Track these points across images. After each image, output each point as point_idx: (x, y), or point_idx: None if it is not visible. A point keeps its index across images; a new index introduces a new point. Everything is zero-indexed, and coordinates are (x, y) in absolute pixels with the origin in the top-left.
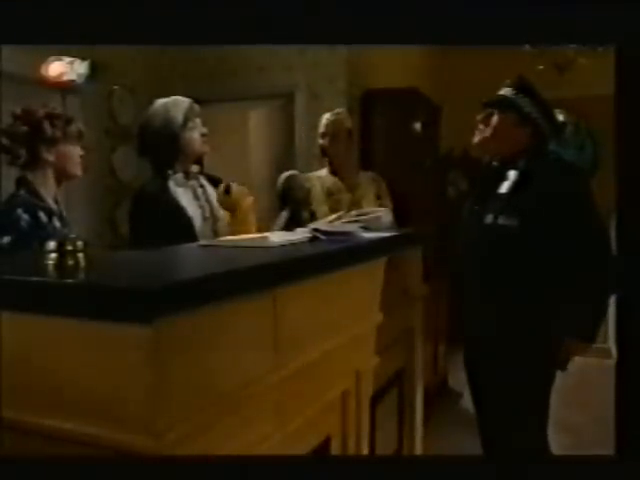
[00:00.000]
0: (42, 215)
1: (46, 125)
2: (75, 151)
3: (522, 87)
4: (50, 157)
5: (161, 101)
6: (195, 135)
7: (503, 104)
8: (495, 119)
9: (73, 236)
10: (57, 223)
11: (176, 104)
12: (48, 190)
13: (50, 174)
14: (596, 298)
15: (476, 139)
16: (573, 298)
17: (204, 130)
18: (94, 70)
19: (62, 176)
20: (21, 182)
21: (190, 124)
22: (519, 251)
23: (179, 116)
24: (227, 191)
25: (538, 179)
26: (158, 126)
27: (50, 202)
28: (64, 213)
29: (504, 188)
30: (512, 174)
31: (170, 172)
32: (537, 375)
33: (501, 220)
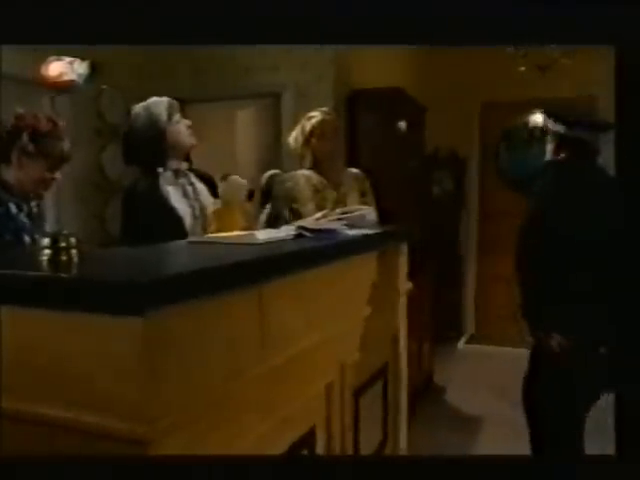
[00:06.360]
0: (12, 207)
1: (24, 137)
2: (41, 172)
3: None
4: (16, 164)
5: (140, 105)
6: (182, 128)
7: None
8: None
9: (66, 232)
10: (24, 219)
11: (156, 103)
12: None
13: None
14: None
15: None
16: None
17: (188, 122)
18: (94, 70)
19: (23, 186)
20: None
21: (175, 118)
22: None
23: (163, 112)
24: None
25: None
26: (143, 126)
27: (19, 198)
28: (34, 210)
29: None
30: None
31: (160, 170)
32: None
33: None
